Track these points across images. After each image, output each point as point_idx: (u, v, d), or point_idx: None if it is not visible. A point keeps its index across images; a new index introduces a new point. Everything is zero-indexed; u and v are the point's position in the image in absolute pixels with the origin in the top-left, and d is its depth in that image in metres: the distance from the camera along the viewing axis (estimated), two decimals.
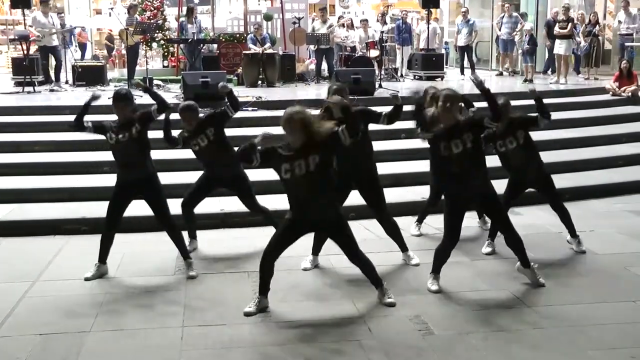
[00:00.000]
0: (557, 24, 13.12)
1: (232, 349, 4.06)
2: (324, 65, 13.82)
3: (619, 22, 13.62)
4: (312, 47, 13.62)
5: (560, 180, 7.68)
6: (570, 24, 12.95)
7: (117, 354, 4.01)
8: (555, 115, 10.04)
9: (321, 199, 4.38)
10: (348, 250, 4.60)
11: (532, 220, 6.73)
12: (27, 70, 11.40)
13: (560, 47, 13.03)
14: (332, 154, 4.54)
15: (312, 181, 4.32)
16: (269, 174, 7.13)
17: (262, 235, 6.04)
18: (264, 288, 4.60)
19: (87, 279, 5.09)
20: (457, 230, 4.89)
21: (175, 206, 6.83)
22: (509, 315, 4.51)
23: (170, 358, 3.96)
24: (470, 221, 6.65)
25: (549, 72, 14.61)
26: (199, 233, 6.00)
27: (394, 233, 5.46)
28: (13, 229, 6.16)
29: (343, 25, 15.29)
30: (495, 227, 5.64)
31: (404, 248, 5.49)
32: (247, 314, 4.50)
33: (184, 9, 14.61)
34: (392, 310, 4.58)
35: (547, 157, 8.36)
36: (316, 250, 5.44)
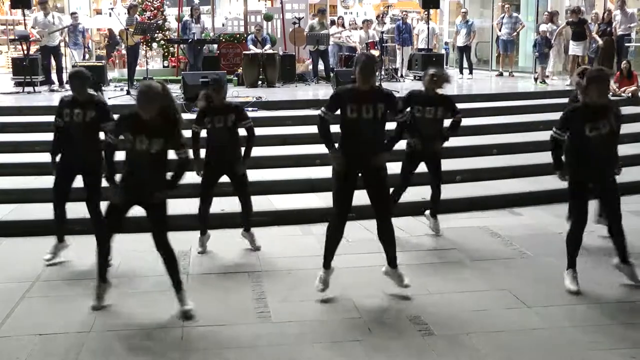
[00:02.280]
0: (571, 26, 12.90)
1: (231, 349, 4.05)
2: (322, 66, 13.81)
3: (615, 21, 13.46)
4: (310, 47, 13.61)
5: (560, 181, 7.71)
6: (585, 25, 12.79)
7: (117, 355, 4.01)
8: (557, 116, 10.08)
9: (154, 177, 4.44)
10: (157, 232, 4.58)
11: (532, 220, 6.74)
12: (27, 71, 11.41)
13: (576, 49, 12.86)
14: None
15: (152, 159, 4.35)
16: (269, 175, 7.15)
17: (262, 236, 6.06)
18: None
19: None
20: (585, 213, 4.82)
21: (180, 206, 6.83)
22: (509, 315, 4.51)
23: (170, 358, 3.95)
24: (472, 221, 6.67)
25: None
26: (196, 234, 6.00)
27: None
28: (13, 229, 6.17)
29: (343, 25, 15.32)
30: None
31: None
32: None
33: (184, 9, 14.64)
34: (392, 310, 4.58)
35: (550, 157, 8.40)
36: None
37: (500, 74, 15.16)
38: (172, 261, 4.56)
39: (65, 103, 5.38)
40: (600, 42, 13.03)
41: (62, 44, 12.58)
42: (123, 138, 4.44)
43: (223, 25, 15.08)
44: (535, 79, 13.18)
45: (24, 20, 12.98)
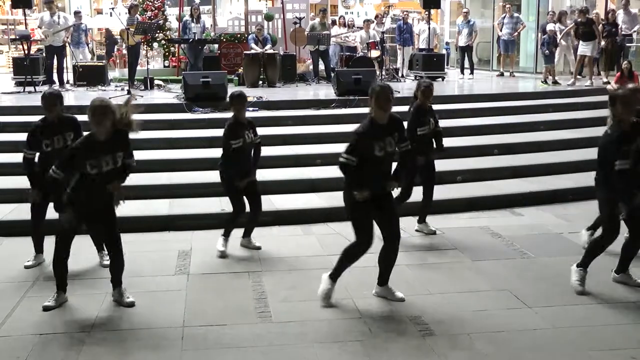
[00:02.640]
0: (580, 27, 12.76)
1: (232, 349, 4.05)
2: (323, 66, 13.82)
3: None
4: (310, 47, 13.62)
5: (564, 181, 7.74)
6: (594, 26, 12.67)
7: (117, 354, 4.01)
8: (558, 116, 10.19)
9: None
10: (109, 237, 4.66)
11: (532, 221, 6.73)
12: (28, 70, 11.41)
13: (585, 49, 12.74)
14: None
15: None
16: (269, 175, 7.15)
17: (263, 235, 6.06)
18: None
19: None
20: (618, 224, 4.74)
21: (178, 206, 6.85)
22: (510, 315, 4.50)
23: (170, 358, 3.96)
24: (473, 221, 6.67)
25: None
26: (200, 232, 6.01)
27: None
28: (14, 229, 6.17)
29: (344, 25, 15.33)
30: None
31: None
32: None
33: (185, 8, 14.65)
34: (393, 310, 4.58)
35: (551, 157, 8.45)
36: None
37: (501, 74, 15.15)
38: (121, 261, 4.69)
39: (41, 131, 5.23)
40: (604, 43, 12.94)
41: (67, 44, 12.58)
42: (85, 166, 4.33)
43: (210, 26, 14.92)
44: (543, 81, 13.05)
45: (25, 20, 12.99)
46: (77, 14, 13.68)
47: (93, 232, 5.33)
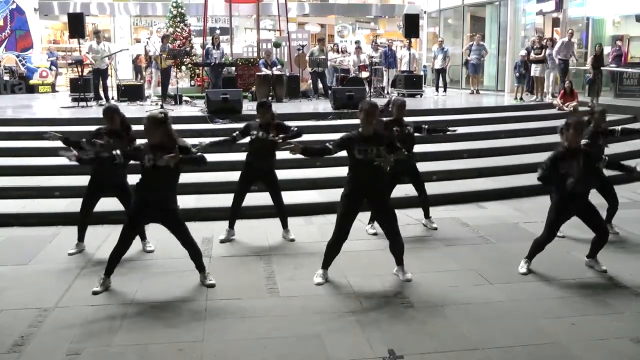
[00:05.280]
0: (533, 51, 12.71)
1: (246, 318, 4.07)
2: (320, 85, 13.83)
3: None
4: (309, 69, 13.65)
5: (520, 180, 7.73)
6: (543, 50, 12.62)
7: (150, 322, 4.03)
8: (516, 126, 10.20)
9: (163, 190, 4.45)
10: (180, 236, 4.61)
11: (494, 213, 6.75)
12: (81, 89, 11.50)
13: (535, 70, 12.69)
14: None
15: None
16: (277, 175, 7.15)
17: (272, 225, 6.07)
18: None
19: None
20: (558, 228, 4.85)
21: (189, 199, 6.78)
22: (476, 290, 4.52)
23: (196, 326, 3.98)
24: (446, 213, 6.68)
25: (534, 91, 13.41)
26: (218, 223, 5.99)
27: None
28: (70, 219, 6.15)
29: (338, 51, 15.33)
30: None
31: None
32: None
33: (207, 38, 14.67)
34: (379, 287, 4.59)
35: (509, 160, 8.45)
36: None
37: (472, 92, 15.13)
38: (196, 254, 4.68)
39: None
40: (591, 74, 12.50)
41: (109, 67, 12.63)
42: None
43: (229, 52, 14.87)
44: (515, 98, 12.95)
45: (79, 47, 13.09)
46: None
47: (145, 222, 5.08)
